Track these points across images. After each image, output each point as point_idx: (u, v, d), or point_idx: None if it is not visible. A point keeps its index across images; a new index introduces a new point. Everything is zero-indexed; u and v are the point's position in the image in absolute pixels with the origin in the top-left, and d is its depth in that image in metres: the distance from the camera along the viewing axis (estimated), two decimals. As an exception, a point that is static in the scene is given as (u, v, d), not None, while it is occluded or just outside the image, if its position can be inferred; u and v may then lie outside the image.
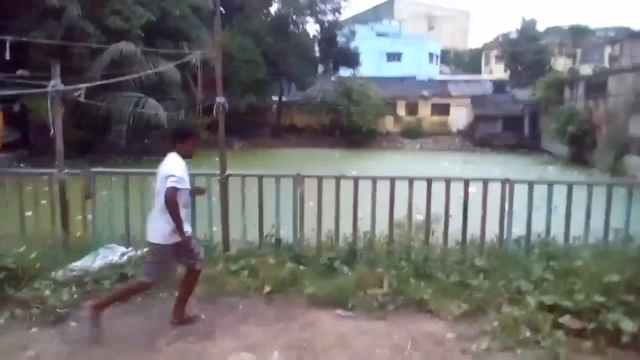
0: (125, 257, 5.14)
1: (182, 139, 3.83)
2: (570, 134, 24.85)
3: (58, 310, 4.09)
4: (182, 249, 3.82)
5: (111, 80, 9.85)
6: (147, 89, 20.67)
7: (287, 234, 5.58)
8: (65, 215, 5.55)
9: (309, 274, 4.79)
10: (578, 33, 46.14)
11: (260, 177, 5.65)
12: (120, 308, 4.14)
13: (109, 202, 5.68)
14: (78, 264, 4.93)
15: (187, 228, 3.81)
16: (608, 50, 40.54)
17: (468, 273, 4.79)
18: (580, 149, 24.75)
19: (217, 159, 5.65)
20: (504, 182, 5.34)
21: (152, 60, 20.93)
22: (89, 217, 5.69)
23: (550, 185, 5.31)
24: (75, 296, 4.36)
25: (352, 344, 3.58)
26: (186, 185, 3.76)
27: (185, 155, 3.85)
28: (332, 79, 38.78)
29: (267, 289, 4.57)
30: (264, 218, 5.57)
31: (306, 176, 5.49)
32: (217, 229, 5.69)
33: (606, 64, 37.62)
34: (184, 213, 3.78)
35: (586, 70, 34.94)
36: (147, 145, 22.51)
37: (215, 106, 5.53)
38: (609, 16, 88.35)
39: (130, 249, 5.37)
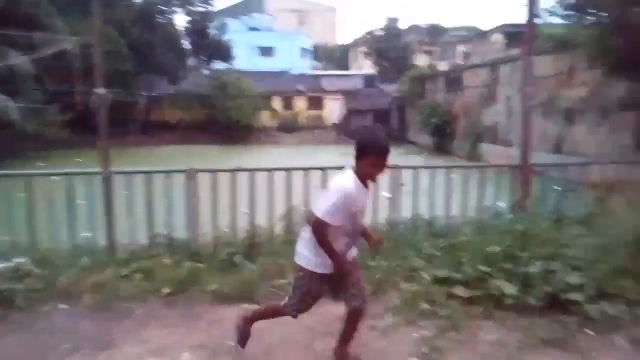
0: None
1: (359, 154, 2.80)
2: (433, 125, 27.06)
3: None
4: (336, 281, 3.06)
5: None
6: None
7: (179, 233, 5.33)
8: None
9: (210, 271, 4.61)
10: (435, 32, 50.44)
11: (149, 173, 5.32)
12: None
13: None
14: None
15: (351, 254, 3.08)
16: (461, 47, 44.83)
17: (366, 256, 4.99)
18: (442, 138, 27.08)
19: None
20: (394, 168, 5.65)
21: (-1, 50, 18.55)
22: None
23: (433, 169, 5.77)
24: None
25: (264, 336, 3.53)
26: (337, 221, 2.81)
27: (361, 178, 2.85)
28: (206, 72, 37.76)
29: (165, 290, 4.30)
30: (153, 219, 5.26)
31: (200, 170, 5.28)
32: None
33: (460, 61, 41.56)
34: (342, 243, 2.95)
35: (443, 66, 38.28)
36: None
37: (92, 99, 5.10)
38: (460, 17, 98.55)
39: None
